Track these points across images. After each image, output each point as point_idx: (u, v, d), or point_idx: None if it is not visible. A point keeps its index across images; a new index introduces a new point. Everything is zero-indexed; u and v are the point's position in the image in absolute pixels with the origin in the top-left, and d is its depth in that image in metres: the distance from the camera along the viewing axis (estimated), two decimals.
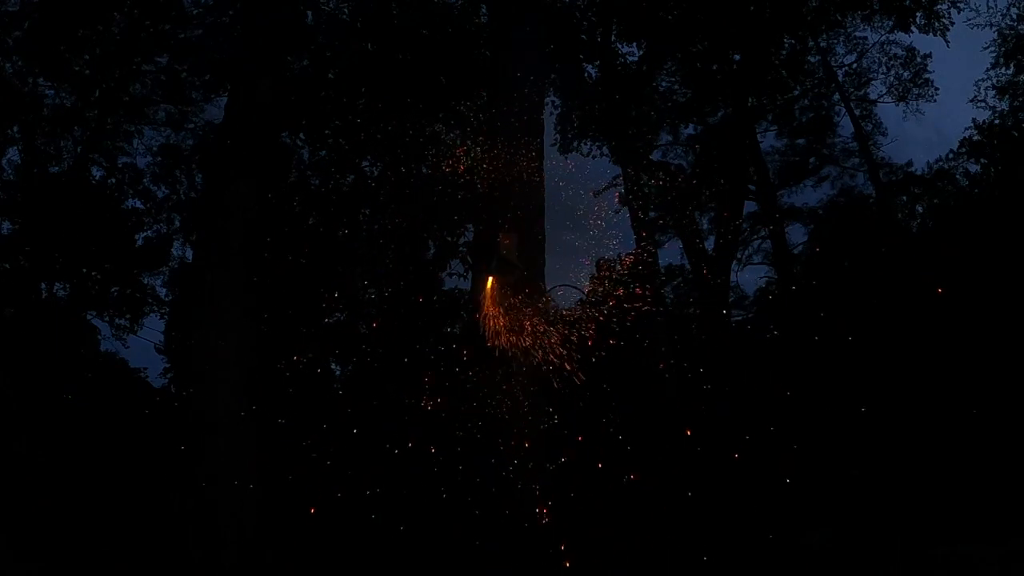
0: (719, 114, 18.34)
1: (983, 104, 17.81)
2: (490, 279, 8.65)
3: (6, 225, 15.87)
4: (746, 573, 10.20)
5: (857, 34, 18.40)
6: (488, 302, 8.57)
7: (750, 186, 18.46)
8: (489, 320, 8.53)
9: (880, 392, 12.16)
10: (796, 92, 18.26)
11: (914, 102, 18.52)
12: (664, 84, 18.55)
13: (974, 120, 18.12)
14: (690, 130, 19.48)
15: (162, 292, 18.09)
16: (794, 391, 12.64)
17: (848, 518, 10.60)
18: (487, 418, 8.80)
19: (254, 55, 11.23)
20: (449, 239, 16.20)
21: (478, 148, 9.93)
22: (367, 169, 16.06)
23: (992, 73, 17.57)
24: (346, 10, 14.76)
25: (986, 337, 12.46)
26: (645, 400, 13.74)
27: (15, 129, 15.67)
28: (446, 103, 12.99)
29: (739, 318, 20.22)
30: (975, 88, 17.85)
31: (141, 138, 17.01)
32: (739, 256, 19.53)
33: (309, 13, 14.41)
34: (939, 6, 16.18)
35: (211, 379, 9.39)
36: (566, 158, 17.39)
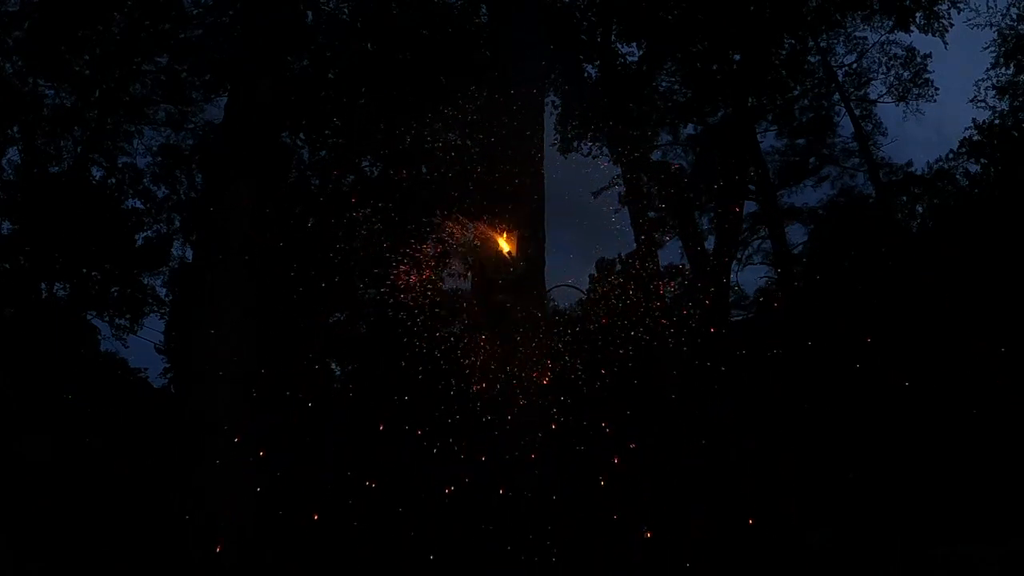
0: (719, 114, 18.32)
1: (983, 104, 17.82)
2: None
3: (6, 225, 15.88)
4: (746, 573, 10.21)
5: (857, 34, 18.42)
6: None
7: (750, 186, 18.45)
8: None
9: (880, 392, 12.15)
10: (796, 92, 18.27)
11: (914, 102, 18.57)
12: (664, 84, 18.56)
13: (974, 120, 18.13)
14: (690, 130, 19.47)
15: (162, 292, 18.10)
16: (794, 391, 12.65)
17: (848, 518, 10.60)
18: (488, 418, 8.81)
19: (254, 55, 11.22)
20: (449, 238, 16.18)
21: (478, 148, 9.95)
22: (367, 169, 16.06)
23: (992, 73, 17.59)
24: (346, 10, 14.77)
25: (986, 337, 12.45)
26: (645, 400, 13.73)
27: (15, 129, 15.67)
28: (446, 103, 13.00)
29: (739, 318, 20.18)
30: (975, 88, 17.86)
31: (141, 138, 17.03)
32: (739, 256, 19.51)
33: (309, 13, 14.41)
34: (939, 6, 16.23)
35: (211, 379, 9.38)
36: (566, 158, 17.41)
